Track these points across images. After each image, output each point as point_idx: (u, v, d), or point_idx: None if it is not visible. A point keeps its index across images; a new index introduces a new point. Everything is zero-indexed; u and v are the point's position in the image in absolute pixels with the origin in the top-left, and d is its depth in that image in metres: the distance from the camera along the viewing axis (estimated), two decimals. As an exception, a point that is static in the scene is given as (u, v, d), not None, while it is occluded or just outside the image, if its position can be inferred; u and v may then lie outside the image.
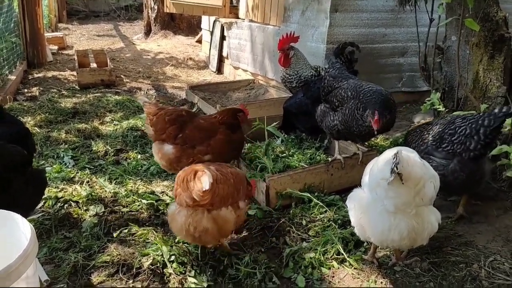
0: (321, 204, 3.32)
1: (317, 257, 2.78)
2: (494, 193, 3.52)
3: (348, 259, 2.78)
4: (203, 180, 2.50)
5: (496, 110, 2.92)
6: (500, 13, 3.98)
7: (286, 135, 4.57)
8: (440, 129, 3.13)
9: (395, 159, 2.25)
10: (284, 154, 4.06)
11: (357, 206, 2.62)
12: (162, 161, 3.52)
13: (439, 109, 4.17)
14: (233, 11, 7.90)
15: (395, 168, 2.23)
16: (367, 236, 2.62)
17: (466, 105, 4.13)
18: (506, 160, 3.27)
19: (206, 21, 8.88)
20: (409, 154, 2.40)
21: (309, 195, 3.39)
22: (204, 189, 2.47)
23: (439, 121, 3.26)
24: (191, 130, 3.51)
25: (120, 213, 3.32)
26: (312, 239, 3.00)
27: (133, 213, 3.33)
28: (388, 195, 2.38)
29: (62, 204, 3.34)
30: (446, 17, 4.08)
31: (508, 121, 3.44)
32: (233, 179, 2.73)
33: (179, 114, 3.58)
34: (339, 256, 2.82)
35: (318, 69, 5.07)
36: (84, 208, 3.33)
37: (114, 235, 3.02)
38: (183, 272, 2.66)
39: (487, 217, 3.24)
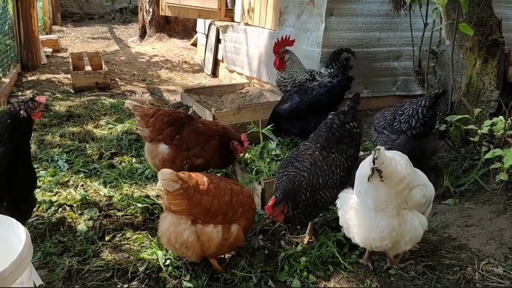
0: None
1: (312, 260, 2.78)
2: (487, 197, 3.55)
3: (343, 262, 2.79)
4: (159, 180, 2.39)
5: (431, 92, 3.60)
6: (493, 18, 4.02)
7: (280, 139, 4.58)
8: (395, 110, 3.69)
9: (373, 154, 2.29)
10: (279, 157, 4.06)
11: (344, 205, 2.67)
12: (155, 161, 3.53)
13: (433, 113, 4.19)
14: (229, 14, 7.91)
15: (372, 163, 2.28)
16: (351, 236, 2.65)
17: (459, 109, 4.16)
18: (499, 164, 3.30)
19: (201, 24, 8.88)
20: (395, 155, 2.45)
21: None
22: (162, 188, 2.41)
23: (397, 104, 3.81)
24: (189, 133, 3.57)
25: (115, 217, 3.31)
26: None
27: (128, 217, 3.32)
28: (368, 192, 2.42)
29: (56, 208, 3.33)
30: (440, 21, 4.11)
31: (500, 125, 3.48)
32: (229, 197, 2.57)
33: (178, 116, 3.64)
34: (334, 260, 2.82)
35: (313, 73, 5.10)
36: (79, 212, 3.31)
37: (109, 239, 3.01)
38: (179, 276, 2.66)
39: (481, 221, 3.26)
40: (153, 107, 3.89)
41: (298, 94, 4.56)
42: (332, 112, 3.15)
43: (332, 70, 5.08)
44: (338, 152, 2.98)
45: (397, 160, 2.40)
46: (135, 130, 4.93)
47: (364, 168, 2.43)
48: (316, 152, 2.94)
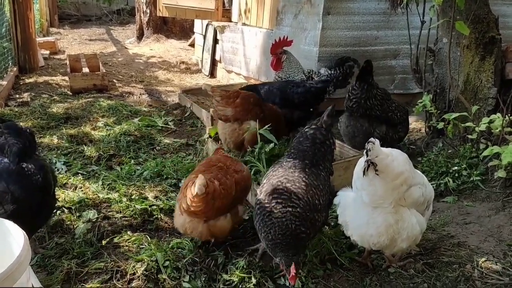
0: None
1: (311, 259, 2.78)
2: (486, 194, 3.55)
3: (342, 261, 2.78)
4: (196, 184, 2.54)
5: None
6: (490, 15, 4.03)
7: None
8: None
9: (367, 147, 2.31)
10: (277, 157, 4.05)
11: (342, 202, 2.68)
12: (244, 136, 3.96)
13: (431, 111, 4.20)
14: (226, 14, 7.91)
15: (365, 155, 2.31)
16: (349, 233, 2.64)
17: (457, 106, 4.16)
18: (497, 161, 3.30)
19: (199, 25, 8.88)
20: (392, 151, 2.46)
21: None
22: (194, 194, 2.54)
23: None
24: (270, 112, 4.13)
25: (114, 219, 3.30)
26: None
27: (126, 218, 3.31)
28: (364, 186, 2.43)
29: (55, 211, 3.31)
30: (437, 19, 4.11)
31: (498, 122, 3.48)
32: (235, 191, 2.78)
33: (258, 98, 4.19)
34: (332, 258, 2.82)
35: (311, 73, 5.11)
36: (77, 214, 3.31)
37: (107, 241, 3.00)
38: (178, 277, 2.65)
39: (479, 218, 3.26)
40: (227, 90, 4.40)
41: (279, 84, 4.80)
42: (313, 126, 2.82)
43: (332, 72, 5.11)
44: (325, 170, 2.74)
45: (394, 156, 2.41)
46: (133, 131, 4.93)
47: (360, 164, 2.45)
48: (307, 169, 2.64)
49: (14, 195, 2.55)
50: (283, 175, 2.61)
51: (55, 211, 3.29)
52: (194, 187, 2.55)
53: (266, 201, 2.52)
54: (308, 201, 2.51)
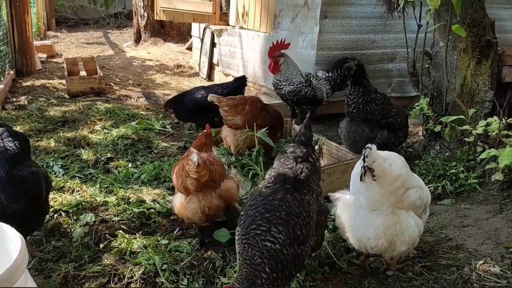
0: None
1: (309, 262, 2.78)
2: (483, 197, 3.56)
3: (340, 264, 2.78)
4: (192, 157, 2.86)
5: None
6: (486, 18, 4.05)
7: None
8: None
9: (364, 153, 2.31)
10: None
11: (339, 205, 2.68)
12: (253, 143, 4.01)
13: (428, 114, 4.22)
14: (224, 18, 7.92)
15: (362, 161, 2.32)
16: (346, 236, 2.64)
17: (454, 109, 4.18)
18: (495, 164, 3.31)
19: (196, 28, 8.89)
20: (390, 154, 2.46)
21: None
22: (195, 163, 2.82)
23: None
24: (274, 113, 4.23)
25: (111, 222, 3.29)
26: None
27: (124, 222, 3.30)
28: (361, 190, 2.44)
29: (52, 214, 3.30)
30: (434, 23, 4.13)
31: (495, 125, 3.50)
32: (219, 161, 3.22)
33: (261, 101, 4.27)
34: (330, 261, 2.82)
35: (309, 76, 5.13)
36: (75, 217, 3.29)
37: (104, 244, 2.99)
38: (176, 281, 2.64)
39: (477, 221, 3.27)
40: (234, 98, 4.31)
41: (205, 89, 5.11)
42: (291, 144, 2.58)
43: (330, 75, 5.14)
44: (309, 192, 2.42)
45: (391, 159, 2.41)
46: (131, 134, 4.92)
47: (357, 167, 2.44)
48: (288, 196, 2.32)
49: (3, 203, 2.54)
50: (261, 204, 2.30)
51: (51, 214, 3.29)
52: (191, 162, 2.86)
53: (244, 233, 2.25)
54: (289, 233, 2.20)
